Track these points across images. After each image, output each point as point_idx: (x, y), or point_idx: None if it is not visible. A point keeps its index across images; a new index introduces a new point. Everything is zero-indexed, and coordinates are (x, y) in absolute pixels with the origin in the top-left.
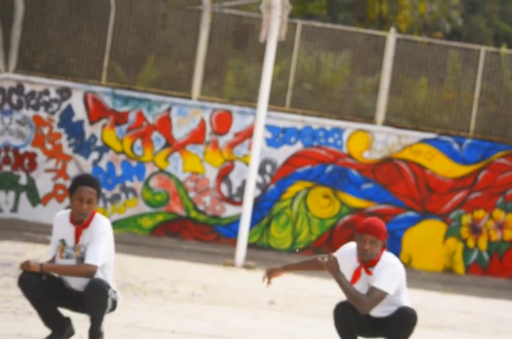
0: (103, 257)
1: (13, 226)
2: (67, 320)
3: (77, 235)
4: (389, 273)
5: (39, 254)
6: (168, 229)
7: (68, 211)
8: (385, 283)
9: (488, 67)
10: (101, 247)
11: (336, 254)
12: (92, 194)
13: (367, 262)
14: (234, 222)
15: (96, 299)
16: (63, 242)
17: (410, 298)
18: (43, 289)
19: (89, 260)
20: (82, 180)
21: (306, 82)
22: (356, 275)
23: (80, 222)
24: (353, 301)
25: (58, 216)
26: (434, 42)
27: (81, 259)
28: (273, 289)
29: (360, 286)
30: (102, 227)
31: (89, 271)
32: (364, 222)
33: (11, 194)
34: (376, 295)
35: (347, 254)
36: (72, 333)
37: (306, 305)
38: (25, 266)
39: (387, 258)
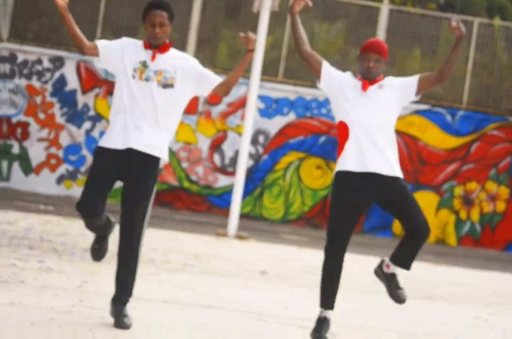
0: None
1: (5, 195)
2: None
3: (153, 57)
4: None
5: (31, 223)
6: (161, 199)
7: (140, 41)
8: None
9: (481, 38)
10: (208, 71)
11: (329, 71)
12: (163, 17)
13: (370, 82)
14: (227, 193)
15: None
16: (144, 64)
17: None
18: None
19: (216, 78)
20: (152, 4)
21: None
22: (365, 85)
23: (157, 46)
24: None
25: (132, 41)
26: (428, 14)
27: (163, 85)
28: (266, 259)
29: (369, 94)
30: (192, 60)
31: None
32: (366, 42)
33: (4, 163)
34: (427, 73)
35: (343, 75)
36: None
37: (298, 276)
38: None
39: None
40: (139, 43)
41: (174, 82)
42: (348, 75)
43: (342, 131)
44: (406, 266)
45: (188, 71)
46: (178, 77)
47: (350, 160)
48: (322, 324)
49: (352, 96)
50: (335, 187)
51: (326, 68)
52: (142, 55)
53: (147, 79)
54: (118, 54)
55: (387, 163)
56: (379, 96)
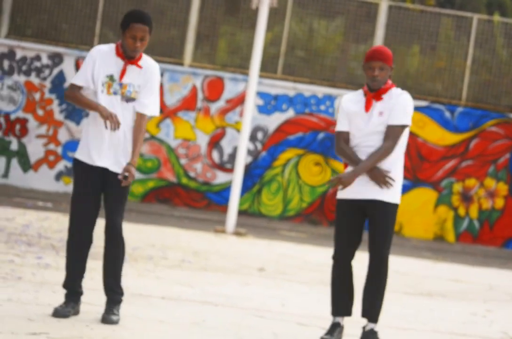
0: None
1: (3, 191)
2: (80, 292)
3: (123, 71)
4: (402, 103)
5: (29, 220)
6: (159, 196)
7: (111, 45)
8: (401, 116)
9: (480, 35)
10: (157, 97)
11: (340, 105)
12: (145, 31)
13: (377, 90)
14: (225, 189)
15: (114, 252)
16: (111, 78)
17: (401, 265)
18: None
19: (148, 111)
20: (135, 17)
21: (298, 49)
22: (368, 104)
23: (130, 57)
24: (382, 159)
25: (101, 50)
26: (427, 10)
27: (126, 98)
28: (264, 256)
29: (371, 118)
30: (157, 74)
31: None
32: (370, 50)
33: (2, 160)
34: (396, 133)
35: (351, 98)
36: (78, 310)
37: (296, 272)
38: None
39: (396, 89)
40: (110, 50)
41: (136, 96)
42: (351, 98)
43: None
44: (372, 319)
45: (145, 85)
46: (140, 90)
47: (346, 189)
48: (334, 328)
49: (356, 123)
50: (336, 210)
51: (342, 127)
52: (112, 66)
53: (115, 93)
54: (91, 73)
55: (379, 189)
56: (378, 123)
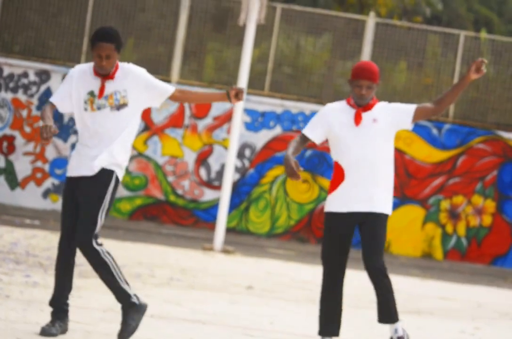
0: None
1: None
2: (67, 309)
3: (102, 88)
4: (395, 106)
5: (17, 237)
6: (147, 213)
7: (90, 64)
8: (404, 107)
9: (467, 52)
10: (159, 81)
11: (322, 114)
12: (110, 49)
13: (364, 106)
14: (213, 207)
15: (94, 265)
16: (92, 93)
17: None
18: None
19: (170, 88)
20: (99, 36)
21: (286, 66)
22: (358, 117)
23: (105, 75)
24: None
25: (81, 69)
26: (414, 27)
27: (117, 107)
28: (252, 273)
29: (364, 128)
30: (144, 73)
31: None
32: (358, 67)
33: None
34: (424, 105)
35: (335, 108)
36: (65, 329)
37: (284, 290)
38: None
39: (381, 102)
40: (88, 69)
41: (126, 101)
42: (337, 108)
43: (337, 171)
44: (392, 320)
45: (136, 85)
46: (129, 94)
47: (337, 201)
48: None
49: (345, 135)
50: (324, 224)
51: (311, 133)
52: (91, 84)
53: (99, 108)
54: (69, 94)
55: (370, 200)
56: (373, 131)
